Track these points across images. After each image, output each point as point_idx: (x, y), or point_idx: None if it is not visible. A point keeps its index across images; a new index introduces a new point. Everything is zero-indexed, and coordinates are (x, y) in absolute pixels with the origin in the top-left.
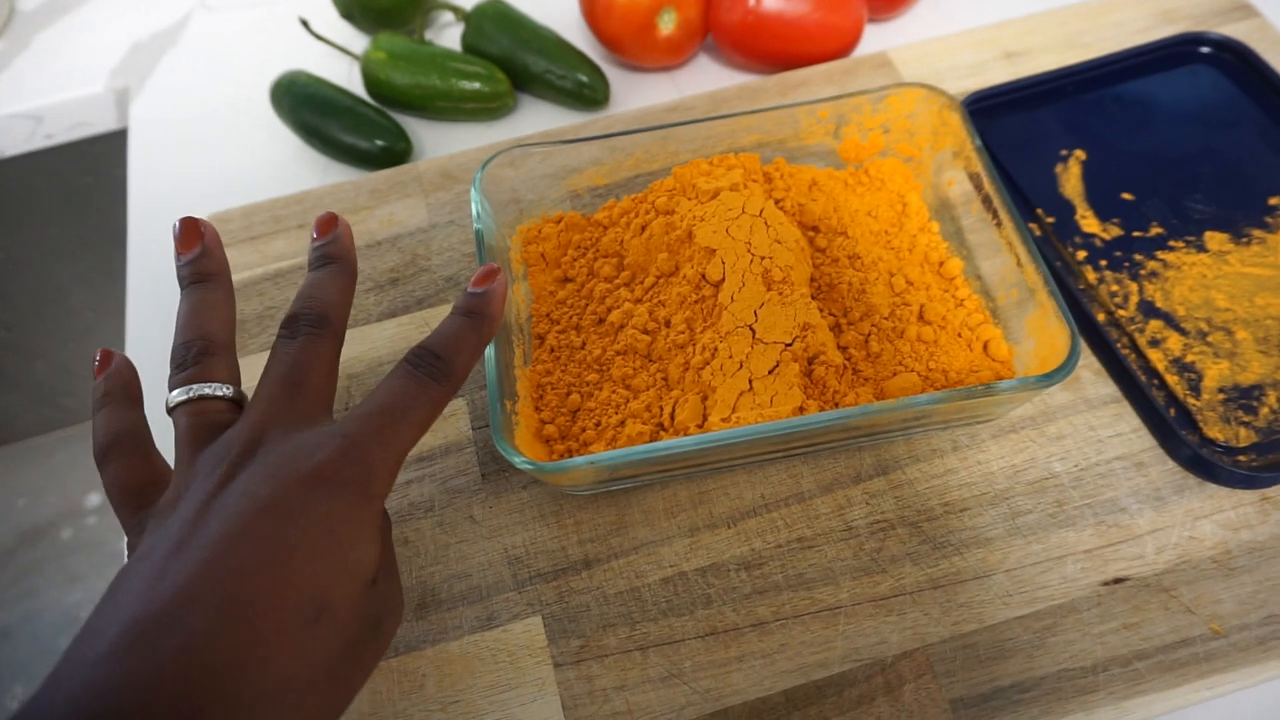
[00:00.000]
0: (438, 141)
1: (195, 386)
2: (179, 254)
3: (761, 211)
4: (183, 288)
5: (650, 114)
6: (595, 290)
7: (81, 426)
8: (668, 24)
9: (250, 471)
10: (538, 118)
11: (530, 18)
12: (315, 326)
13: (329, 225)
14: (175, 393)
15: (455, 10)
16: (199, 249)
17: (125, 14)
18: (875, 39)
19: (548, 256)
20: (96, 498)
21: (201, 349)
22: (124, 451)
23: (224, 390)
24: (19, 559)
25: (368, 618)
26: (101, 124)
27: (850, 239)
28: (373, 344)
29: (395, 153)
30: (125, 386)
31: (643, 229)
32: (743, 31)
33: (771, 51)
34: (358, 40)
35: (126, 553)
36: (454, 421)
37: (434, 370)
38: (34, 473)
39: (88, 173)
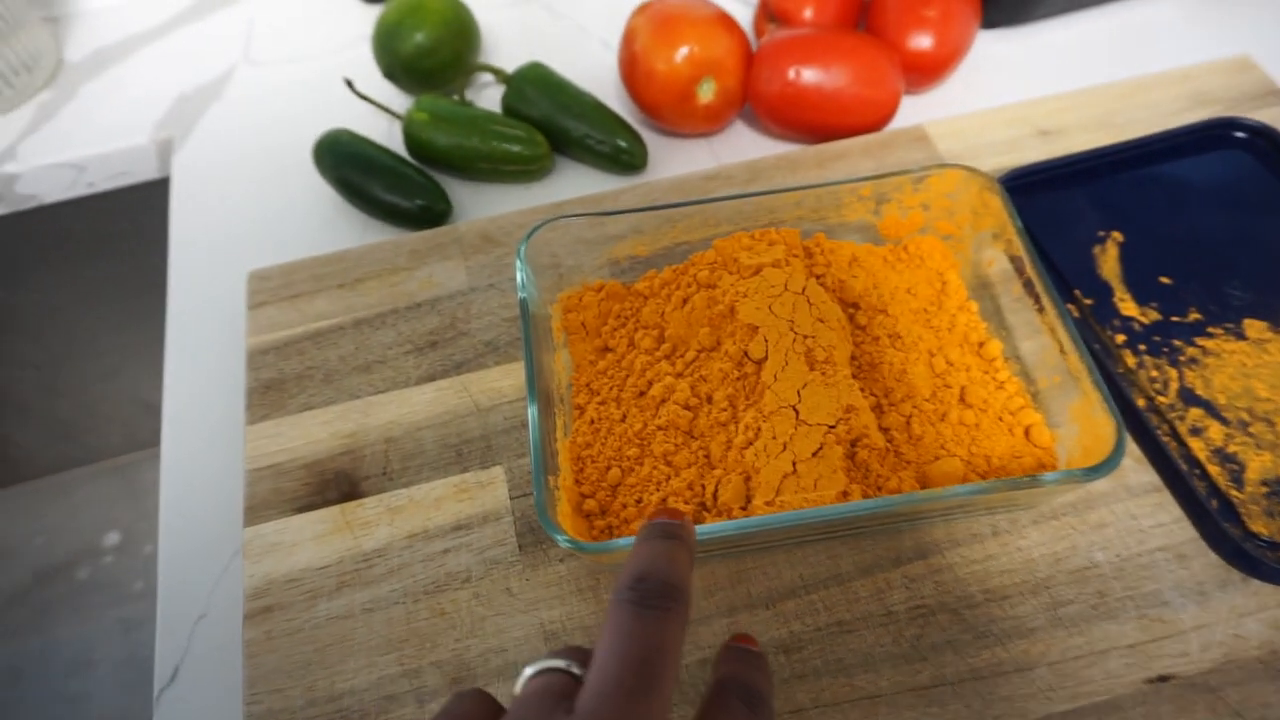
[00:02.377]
0: (477, 202)
1: (544, 660)
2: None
3: (804, 289)
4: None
5: (688, 181)
6: (636, 362)
7: (101, 465)
8: (707, 93)
9: None
10: (576, 181)
11: (571, 82)
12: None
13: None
14: (528, 669)
15: (497, 73)
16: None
17: (171, 67)
18: (911, 111)
19: (588, 325)
20: (115, 536)
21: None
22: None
23: (572, 666)
24: (34, 598)
25: None
26: (143, 173)
27: (891, 317)
28: (411, 408)
29: (435, 213)
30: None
31: (684, 302)
32: (781, 103)
33: (809, 123)
34: (398, 98)
35: None
36: (492, 490)
37: (662, 599)
38: (53, 510)
39: (125, 219)
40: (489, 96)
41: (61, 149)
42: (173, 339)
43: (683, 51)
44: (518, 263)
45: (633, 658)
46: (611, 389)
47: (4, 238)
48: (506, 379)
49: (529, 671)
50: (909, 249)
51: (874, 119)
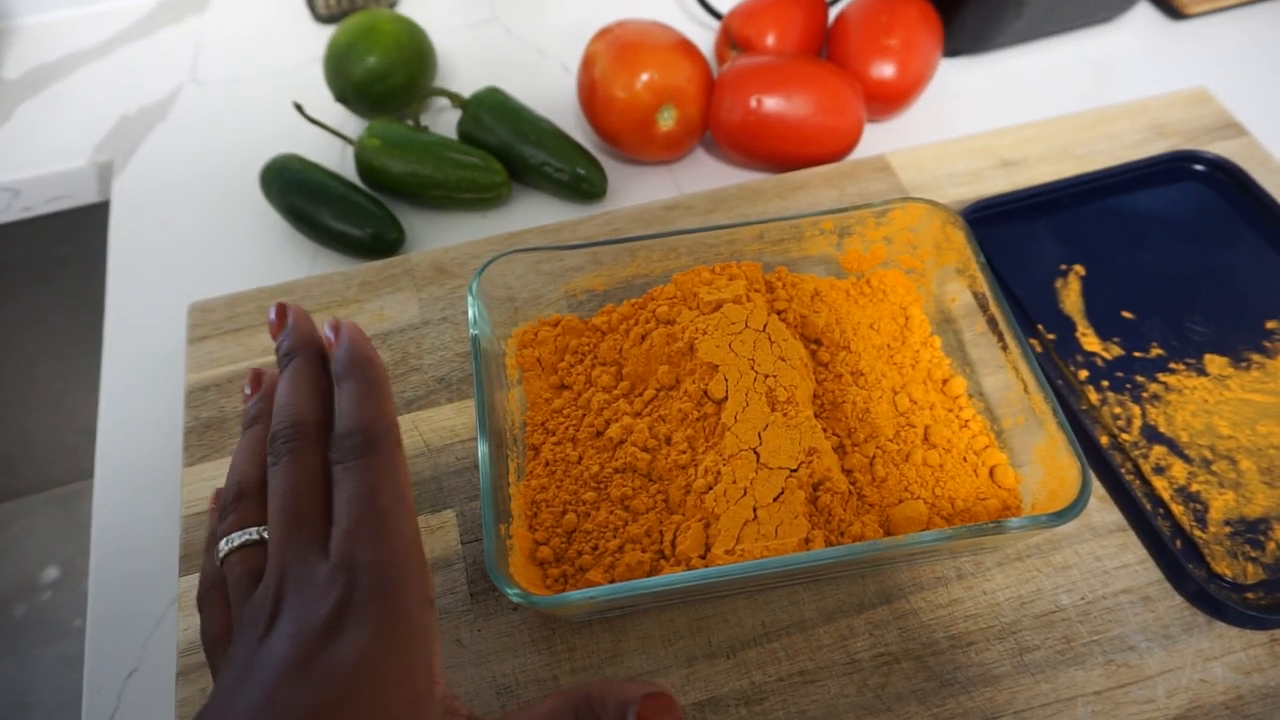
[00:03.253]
0: (431, 231)
1: (238, 535)
2: (247, 399)
3: (765, 327)
4: (243, 428)
5: (649, 211)
6: (593, 400)
7: (40, 496)
8: (667, 120)
9: (275, 633)
10: (534, 209)
11: (529, 108)
12: (294, 439)
13: (280, 318)
14: (222, 543)
15: (453, 98)
16: (260, 394)
17: (114, 86)
18: (873, 140)
19: (544, 362)
20: (54, 571)
21: (237, 493)
22: (212, 600)
23: (258, 534)
24: None
25: None
26: (82, 197)
27: (853, 354)
28: None
29: (387, 242)
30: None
31: (643, 338)
32: (743, 131)
33: (771, 151)
34: (351, 123)
35: None
36: (443, 535)
37: (362, 447)
38: None
39: (65, 242)
40: (445, 121)
41: None
42: (109, 373)
43: (643, 78)
44: (469, 298)
45: (277, 508)
46: (568, 429)
47: None
48: (459, 417)
49: (225, 548)
50: (872, 283)
51: (836, 148)
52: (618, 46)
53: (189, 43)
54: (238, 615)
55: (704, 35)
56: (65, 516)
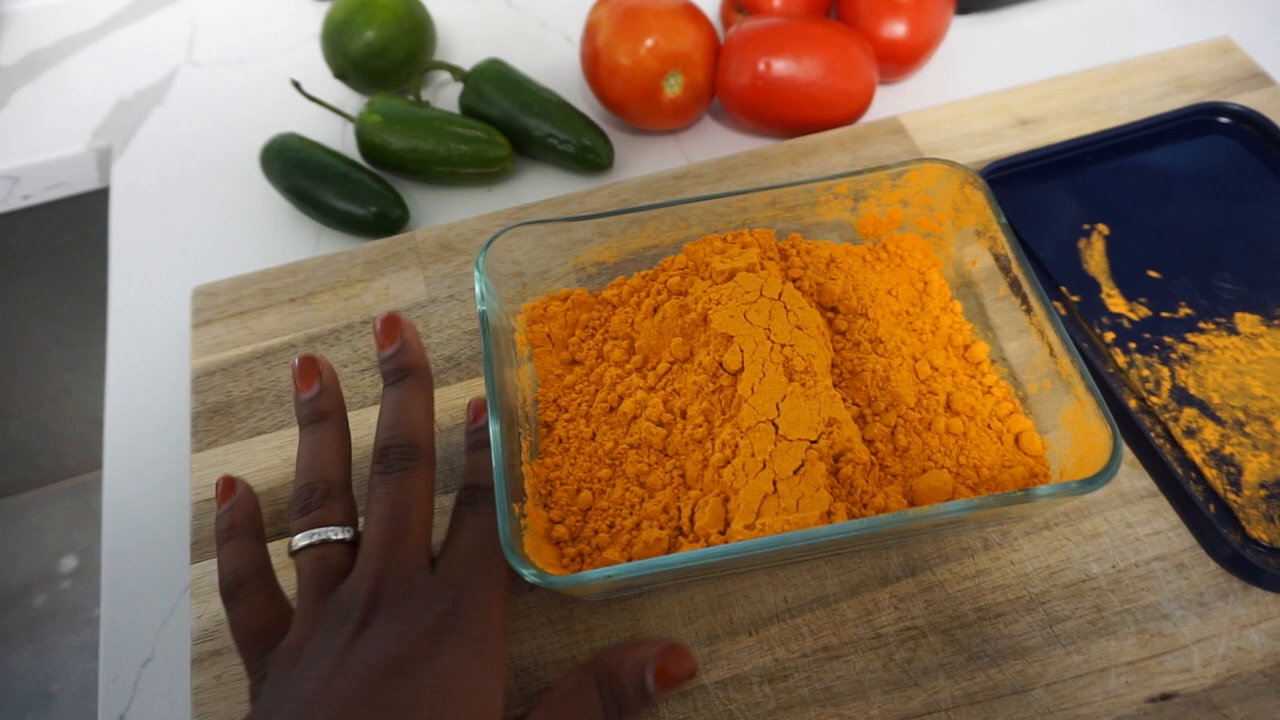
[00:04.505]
0: (435, 207)
1: (318, 531)
2: (298, 393)
3: (780, 295)
4: (301, 426)
5: (657, 181)
6: (605, 375)
7: (56, 486)
8: (674, 87)
9: (374, 630)
10: (539, 182)
11: (531, 79)
12: (409, 460)
13: (393, 329)
14: (299, 537)
15: (453, 71)
16: (317, 387)
17: (109, 70)
18: (886, 102)
19: (554, 337)
20: (71, 561)
21: (324, 492)
22: (251, 591)
23: (344, 534)
24: None
25: None
26: (82, 184)
27: (871, 321)
28: (369, 429)
29: (391, 220)
30: (250, 519)
31: (654, 310)
32: (751, 96)
33: (780, 116)
34: (351, 99)
35: (250, 697)
36: None
37: (482, 498)
38: (6, 535)
39: (66, 231)
40: (447, 96)
41: None
42: (114, 360)
43: (647, 44)
44: (476, 274)
45: (384, 517)
46: (580, 405)
47: None
48: (469, 395)
49: (302, 542)
50: (888, 247)
51: (848, 111)
52: (620, 12)
53: (184, 24)
54: (310, 611)
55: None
56: (81, 505)
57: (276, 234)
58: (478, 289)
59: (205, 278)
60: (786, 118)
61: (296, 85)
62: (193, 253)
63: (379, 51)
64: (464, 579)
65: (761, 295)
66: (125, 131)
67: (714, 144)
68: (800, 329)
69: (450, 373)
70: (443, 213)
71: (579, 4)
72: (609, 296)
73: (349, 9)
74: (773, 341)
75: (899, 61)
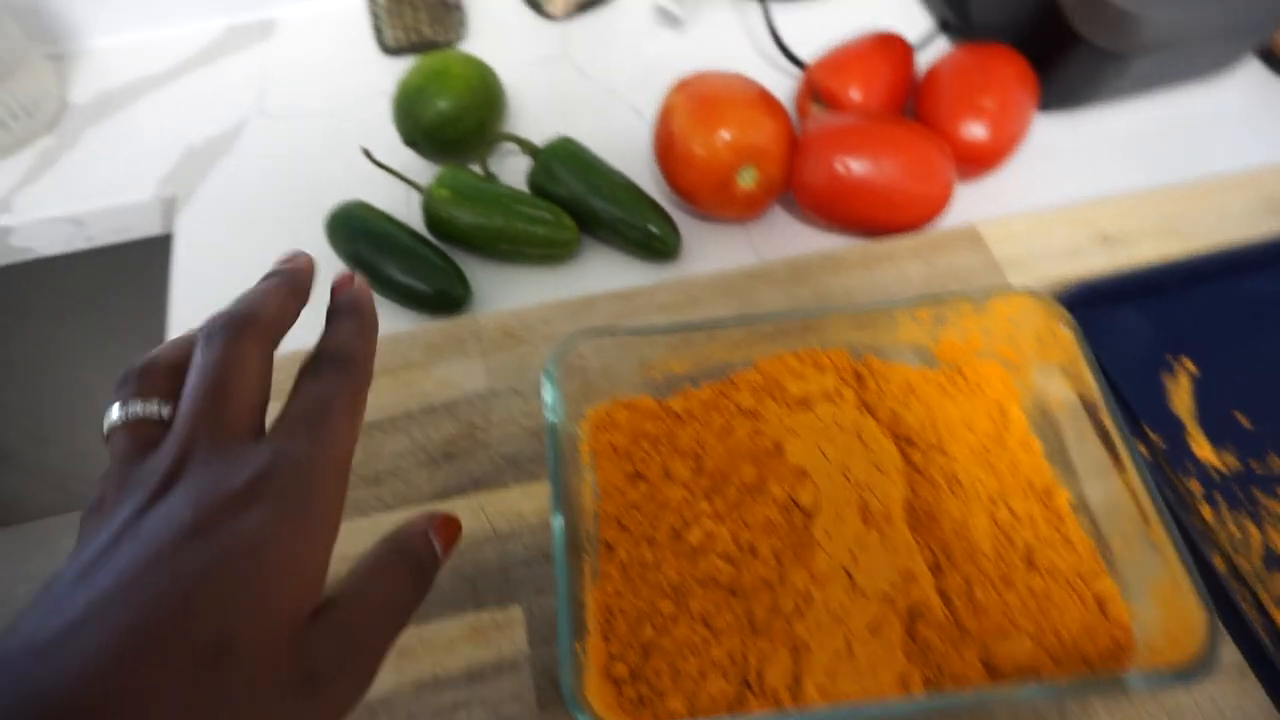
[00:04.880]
0: (497, 285)
1: (132, 404)
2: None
3: (857, 429)
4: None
5: (727, 279)
6: (671, 497)
7: None
8: (747, 180)
9: (173, 494)
10: (604, 265)
11: (602, 160)
12: (235, 327)
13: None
14: (109, 413)
15: (523, 145)
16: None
17: (179, 115)
18: (962, 200)
19: (618, 447)
20: None
21: (144, 366)
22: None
23: (159, 410)
24: None
25: (294, 668)
26: (144, 230)
27: (948, 457)
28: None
29: (453, 298)
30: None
31: (725, 431)
32: (826, 195)
33: (855, 216)
34: (416, 163)
35: None
36: (510, 634)
37: (334, 364)
38: (39, 556)
39: (124, 271)
40: (513, 166)
41: (61, 202)
42: None
43: (724, 136)
44: (546, 382)
45: (198, 384)
46: (644, 526)
47: None
48: (527, 501)
49: (116, 416)
50: (966, 374)
51: (924, 215)
52: (697, 101)
53: (256, 72)
54: (115, 482)
55: (783, 81)
56: None
57: None
58: (547, 398)
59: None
60: (862, 218)
61: (367, 153)
62: None
63: (450, 121)
64: (287, 445)
65: (839, 428)
66: (191, 181)
67: (783, 237)
68: (878, 469)
69: (509, 473)
70: (505, 291)
71: (651, 76)
72: (677, 408)
73: (424, 77)
74: (849, 480)
75: (978, 163)
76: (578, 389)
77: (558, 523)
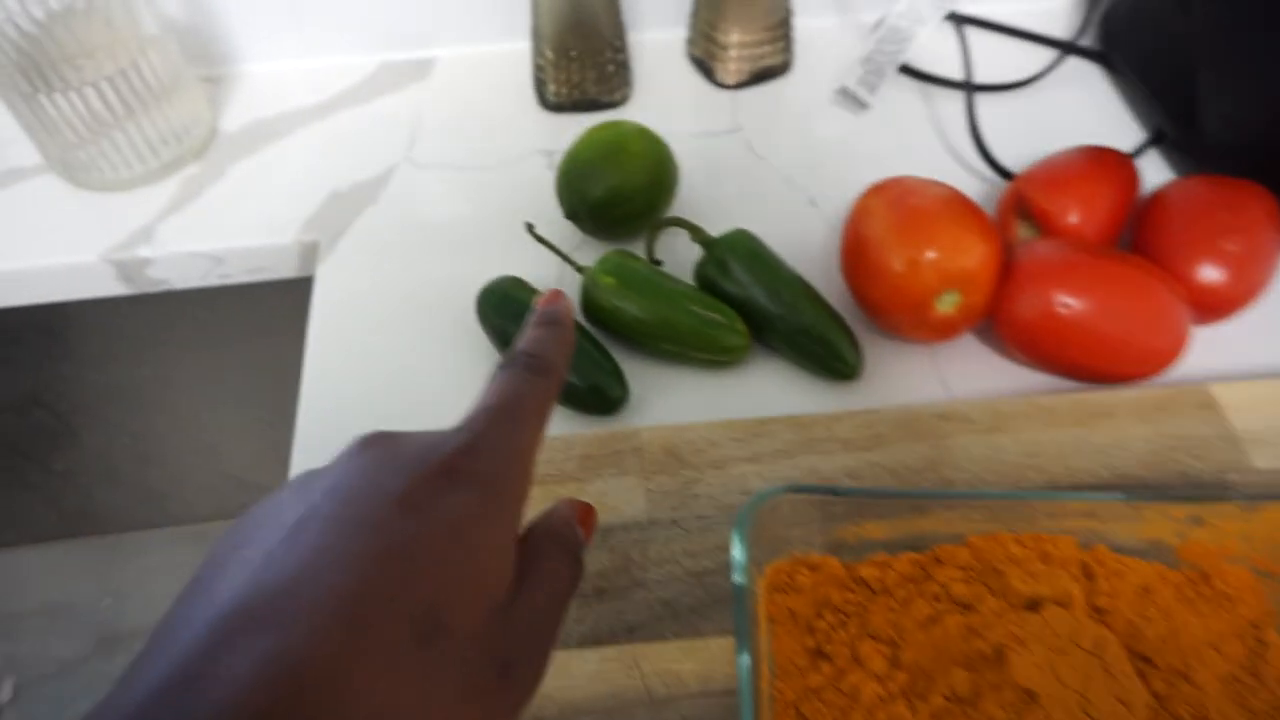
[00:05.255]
0: (652, 385)
1: None
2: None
3: (1098, 648)
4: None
5: (918, 419)
6: (861, 690)
7: (181, 530)
8: (947, 306)
9: (382, 462)
10: (771, 377)
11: (783, 261)
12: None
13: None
14: None
15: (695, 232)
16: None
17: (328, 153)
18: (1190, 352)
19: (799, 615)
20: None
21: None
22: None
23: None
24: (91, 668)
25: (493, 654)
26: (282, 272)
27: (1196, 688)
28: (570, 680)
29: (609, 399)
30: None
31: (930, 620)
32: (1038, 332)
33: (1068, 361)
34: (571, 235)
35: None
36: None
37: (532, 365)
38: (126, 571)
39: (254, 310)
40: (675, 249)
41: (201, 236)
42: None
43: (929, 256)
44: (736, 542)
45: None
46: None
47: (127, 314)
48: (687, 660)
49: None
50: (1213, 582)
51: (1150, 369)
52: (901, 211)
53: (409, 114)
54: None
55: (974, 186)
56: (201, 555)
57: (478, 379)
58: (736, 556)
59: (396, 409)
60: (1075, 363)
61: (530, 228)
62: (390, 373)
63: (620, 201)
64: (483, 426)
65: (1073, 644)
66: (335, 229)
67: (974, 368)
68: (1124, 705)
69: (667, 623)
70: (662, 396)
71: (827, 161)
72: (869, 577)
73: (598, 153)
74: (1087, 717)
75: (1211, 311)
76: (753, 536)
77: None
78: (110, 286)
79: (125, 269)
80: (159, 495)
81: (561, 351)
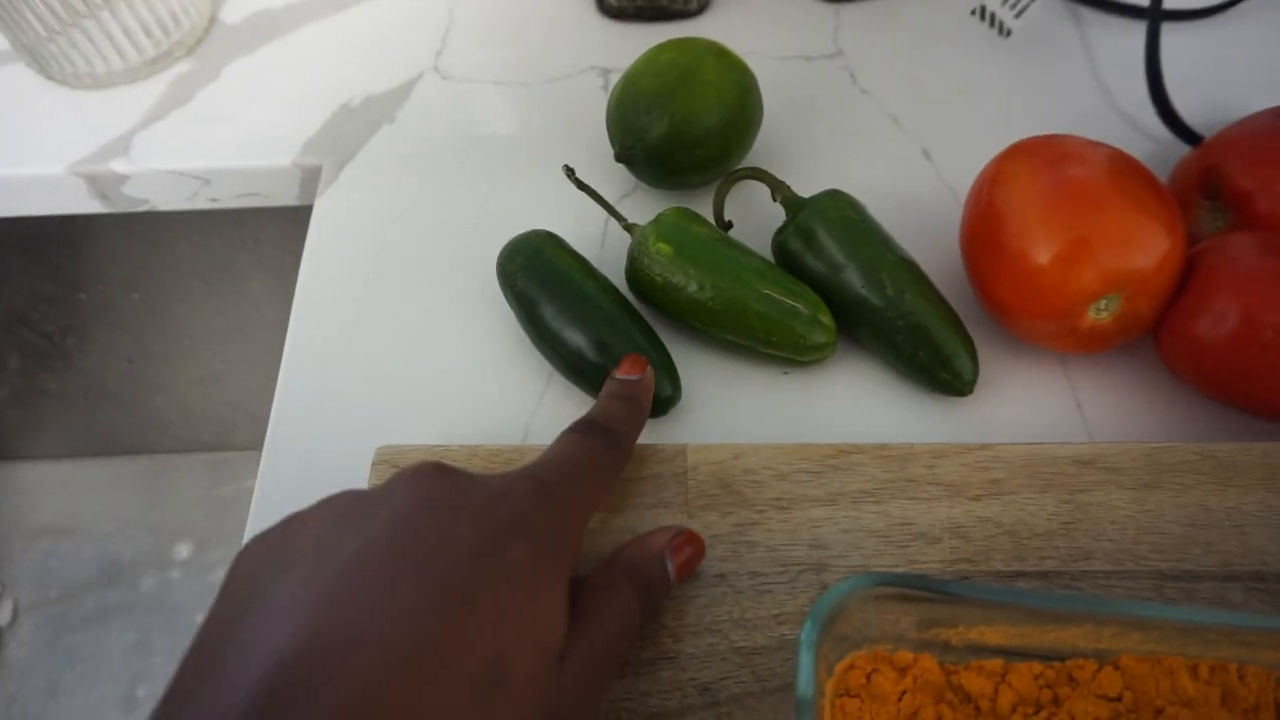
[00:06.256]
0: (705, 380)
1: None
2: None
3: None
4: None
5: (1046, 459)
6: None
7: (189, 457)
8: (1101, 313)
9: (449, 504)
10: (854, 381)
11: (888, 235)
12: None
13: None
14: None
15: (779, 189)
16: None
17: (340, 56)
18: None
19: None
20: (185, 550)
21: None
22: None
23: None
24: (93, 596)
25: (549, 708)
26: (278, 199)
27: None
28: None
29: (656, 399)
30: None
31: None
32: (1223, 359)
33: (1256, 397)
34: (623, 179)
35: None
36: None
37: (605, 439)
38: (132, 496)
39: (244, 231)
40: (750, 209)
41: (187, 150)
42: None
43: (1090, 247)
44: (803, 646)
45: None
46: None
47: (110, 234)
48: None
49: None
50: None
51: None
52: (1055, 183)
53: (438, 15)
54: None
55: (1141, 145)
56: (209, 483)
57: (491, 352)
58: (803, 661)
59: (396, 377)
60: (1268, 404)
61: (569, 172)
62: (387, 356)
63: (687, 144)
64: (548, 478)
65: None
66: (342, 151)
67: (1121, 392)
68: None
69: (704, 712)
70: (717, 399)
71: (951, 103)
72: (973, 689)
73: (662, 79)
74: None
75: None
76: (822, 635)
77: None
78: (85, 203)
79: (99, 184)
80: (165, 422)
81: (633, 431)
